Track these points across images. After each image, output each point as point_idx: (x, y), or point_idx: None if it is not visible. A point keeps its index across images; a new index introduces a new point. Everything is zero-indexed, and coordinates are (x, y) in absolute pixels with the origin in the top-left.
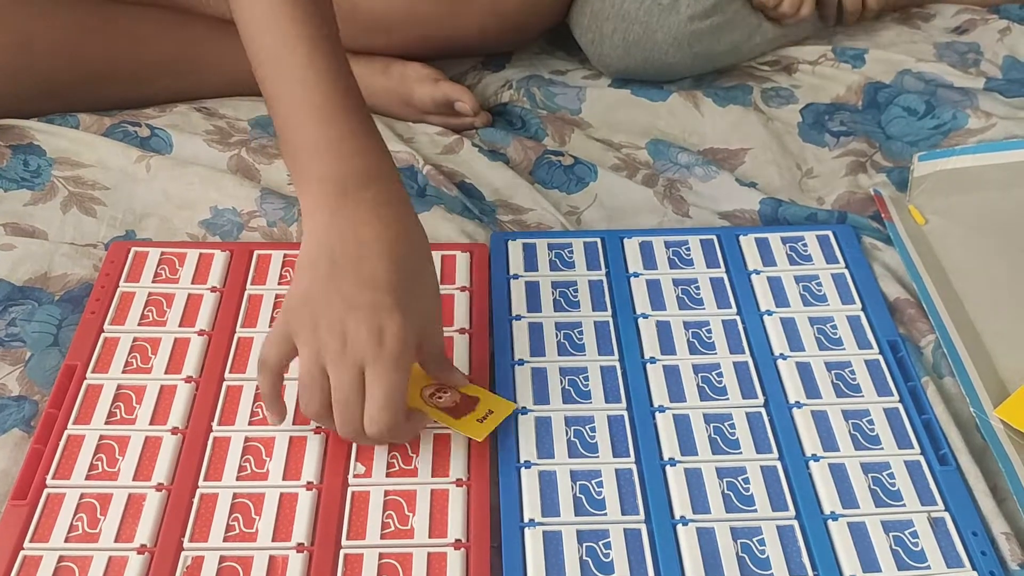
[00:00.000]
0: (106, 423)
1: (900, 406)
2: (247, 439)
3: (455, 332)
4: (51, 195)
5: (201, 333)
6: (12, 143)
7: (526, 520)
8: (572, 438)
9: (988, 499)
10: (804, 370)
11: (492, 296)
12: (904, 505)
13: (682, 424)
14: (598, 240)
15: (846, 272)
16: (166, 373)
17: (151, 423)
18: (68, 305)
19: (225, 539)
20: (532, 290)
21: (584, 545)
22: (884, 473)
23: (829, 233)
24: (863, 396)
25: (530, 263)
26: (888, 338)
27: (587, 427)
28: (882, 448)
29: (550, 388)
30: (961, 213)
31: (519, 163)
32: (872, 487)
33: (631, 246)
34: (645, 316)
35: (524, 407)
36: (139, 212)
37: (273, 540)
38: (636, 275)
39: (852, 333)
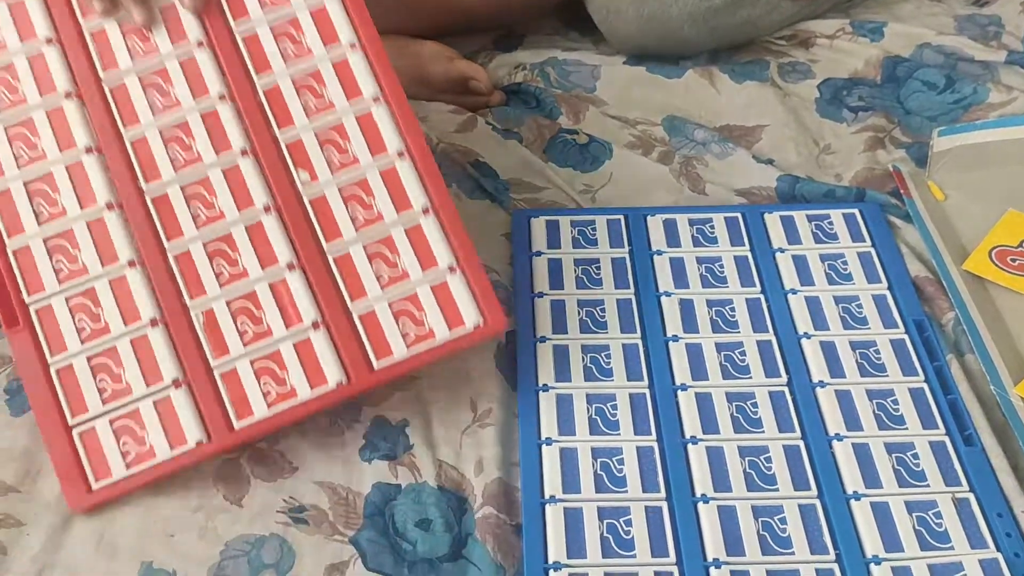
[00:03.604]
0: (38, 224)
1: (925, 386)
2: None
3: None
4: None
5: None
6: None
7: (547, 497)
8: (593, 416)
9: (1009, 477)
10: (828, 349)
11: (514, 273)
12: (928, 485)
13: (704, 402)
14: (621, 217)
15: (872, 251)
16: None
17: (80, 202)
18: None
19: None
20: (555, 267)
21: (605, 522)
22: (908, 453)
23: (855, 211)
24: (888, 376)
25: (552, 240)
26: (914, 317)
27: (608, 405)
28: (906, 428)
29: (572, 365)
30: (981, 189)
31: (533, 141)
32: (896, 467)
33: (655, 224)
34: (668, 294)
35: (545, 384)
36: None
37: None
38: (659, 253)
39: (878, 312)
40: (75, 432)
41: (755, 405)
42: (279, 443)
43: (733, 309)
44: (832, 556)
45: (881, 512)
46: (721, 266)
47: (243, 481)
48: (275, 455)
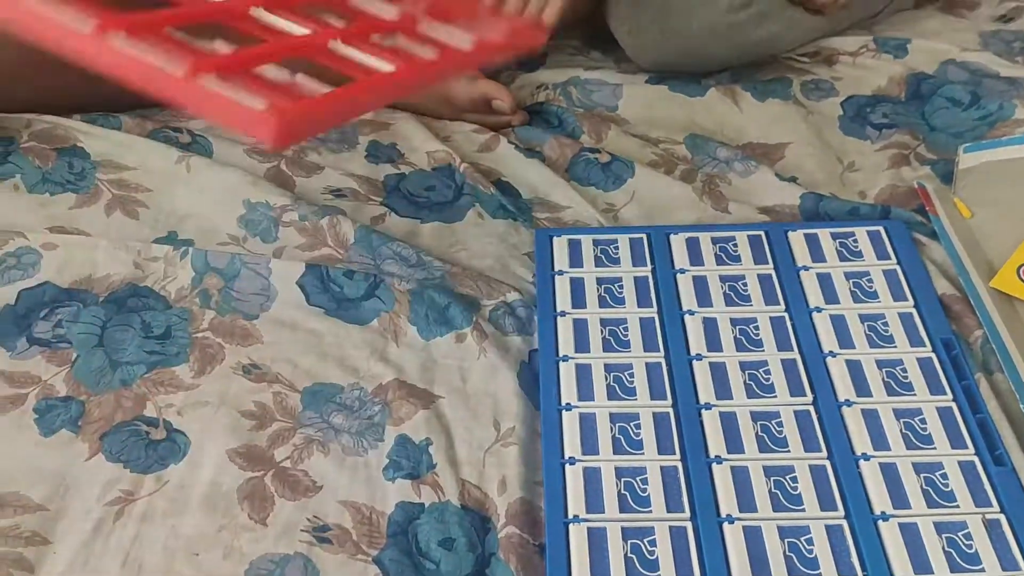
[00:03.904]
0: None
1: (954, 405)
2: None
3: None
4: (95, 198)
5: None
6: (57, 146)
7: (570, 516)
8: (617, 434)
9: None
10: (854, 368)
11: (537, 292)
12: (958, 506)
13: (729, 421)
14: (643, 236)
15: (897, 268)
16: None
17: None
18: (112, 306)
19: None
20: (577, 286)
21: (629, 543)
22: (937, 473)
23: (880, 229)
24: (915, 395)
25: (575, 259)
26: (942, 336)
27: (632, 424)
28: (935, 448)
29: (595, 385)
30: (1008, 205)
31: (556, 161)
32: (924, 487)
33: (677, 242)
34: (691, 312)
35: (568, 403)
36: (180, 213)
37: None
38: (682, 271)
39: (904, 330)
40: None
41: (780, 424)
42: (303, 462)
43: (757, 328)
44: None
45: (910, 533)
46: (745, 284)
47: (267, 500)
48: (299, 474)
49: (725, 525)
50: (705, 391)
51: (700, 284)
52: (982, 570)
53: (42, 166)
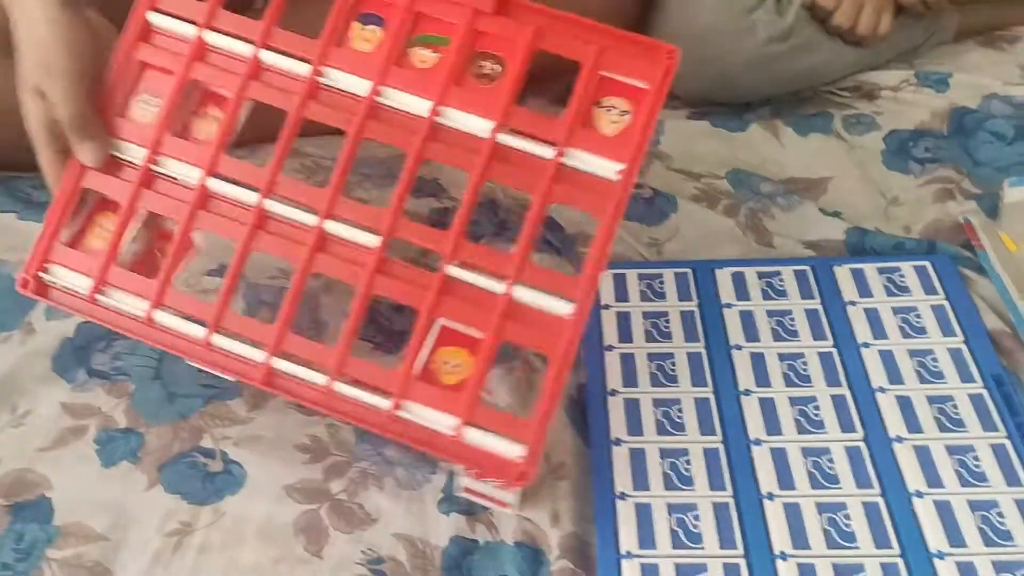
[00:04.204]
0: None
1: (1007, 442)
2: None
3: None
4: None
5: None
6: None
7: (623, 552)
8: (667, 470)
9: None
10: (904, 404)
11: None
12: (1015, 544)
13: (779, 457)
14: (689, 270)
15: (946, 303)
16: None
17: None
18: None
19: None
20: (623, 320)
21: None
22: (992, 511)
23: (927, 264)
24: (967, 431)
25: (620, 293)
26: (992, 371)
27: (682, 459)
28: (989, 485)
29: (643, 419)
30: None
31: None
32: (980, 525)
33: (723, 277)
34: (739, 347)
35: (618, 438)
36: (231, 246)
37: None
38: (729, 306)
39: (954, 366)
40: None
41: (831, 460)
42: (358, 495)
43: (805, 363)
44: None
45: (967, 572)
46: (792, 319)
47: (322, 532)
48: (354, 507)
49: (779, 562)
50: (755, 426)
51: (747, 319)
52: None
53: None
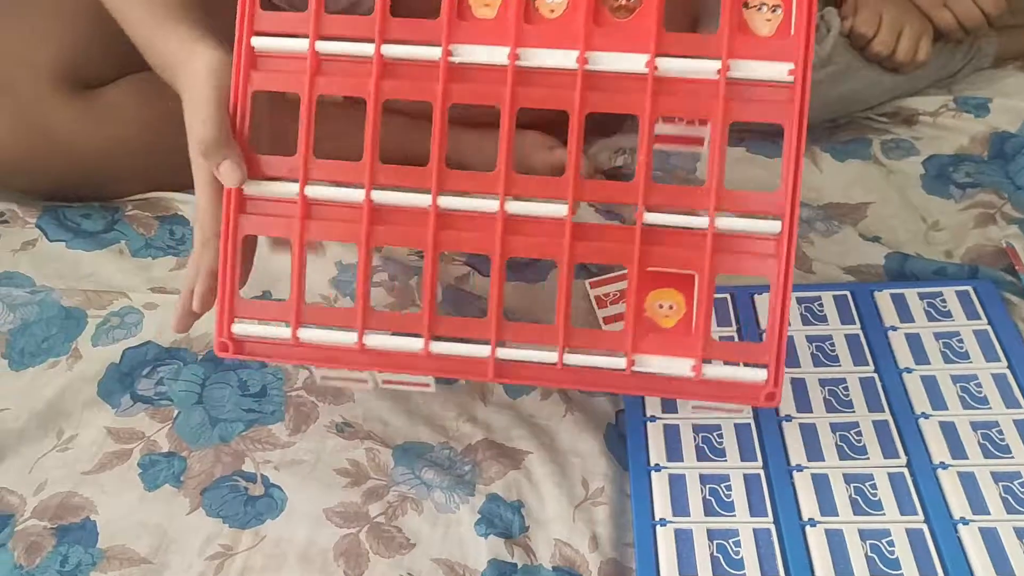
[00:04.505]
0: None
1: None
2: None
3: None
4: None
5: None
6: (159, 214)
7: (663, 573)
8: (708, 496)
9: None
10: (948, 430)
11: None
12: None
13: (821, 483)
14: (727, 296)
15: (988, 328)
16: None
17: None
18: (210, 364)
19: None
20: None
21: None
22: None
23: (969, 288)
24: (1013, 458)
25: None
26: None
27: (723, 485)
28: None
29: (683, 445)
30: None
31: (634, 223)
32: None
33: (761, 302)
34: None
35: (658, 464)
36: (274, 274)
37: None
38: None
39: (998, 391)
40: None
41: (874, 487)
42: (396, 519)
43: (847, 388)
44: None
45: None
46: (832, 345)
47: (362, 557)
48: (393, 531)
49: None
50: (796, 452)
51: (787, 344)
52: None
53: (145, 234)
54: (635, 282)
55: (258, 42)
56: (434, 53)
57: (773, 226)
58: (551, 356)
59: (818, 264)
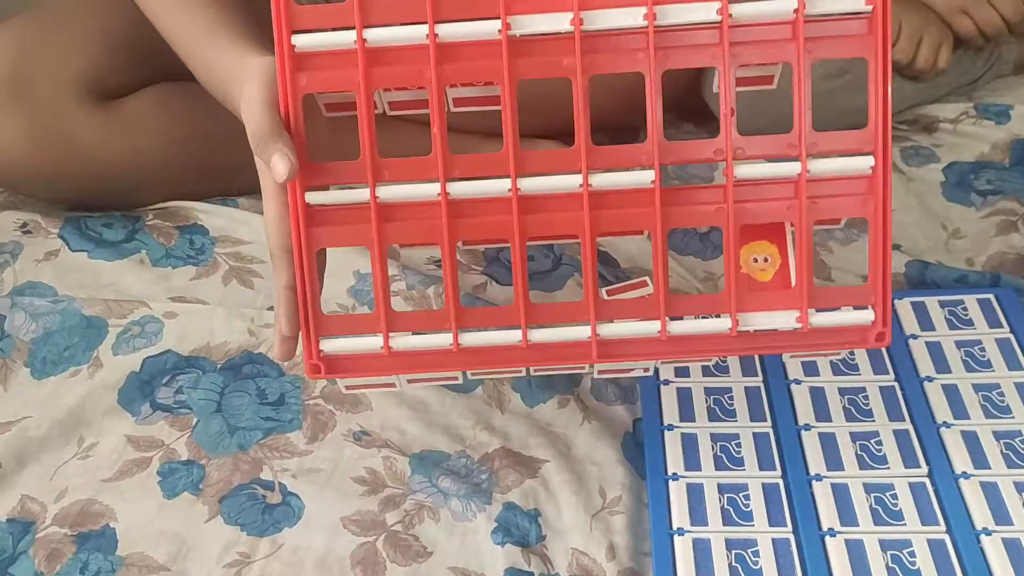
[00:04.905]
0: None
1: None
2: None
3: None
4: (213, 270)
5: None
6: (179, 224)
7: None
8: (726, 506)
9: None
10: (970, 439)
11: None
12: None
13: (840, 493)
14: None
15: (1011, 337)
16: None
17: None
18: (229, 373)
19: None
20: None
21: None
22: None
23: (990, 296)
24: None
25: None
26: None
27: (741, 495)
28: None
29: (701, 454)
30: None
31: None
32: None
33: None
34: (798, 382)
35: (675, 473)
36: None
37: None
38: None
39: (1021, 401)
40: None
41: (895, 497)
42: (413, 527)
43: (867, 397)
44: None
45: None
46: (852, 354)
47: (379, 565)
48: (410, 539)
49: None
50: (815, 462)
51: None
52: None
53: (165, 244)
54: (731, 241)
55: (299, 40)
56: (491, 28)
57: (865, 162)
58: (652, 327)
59: (837, 272)
